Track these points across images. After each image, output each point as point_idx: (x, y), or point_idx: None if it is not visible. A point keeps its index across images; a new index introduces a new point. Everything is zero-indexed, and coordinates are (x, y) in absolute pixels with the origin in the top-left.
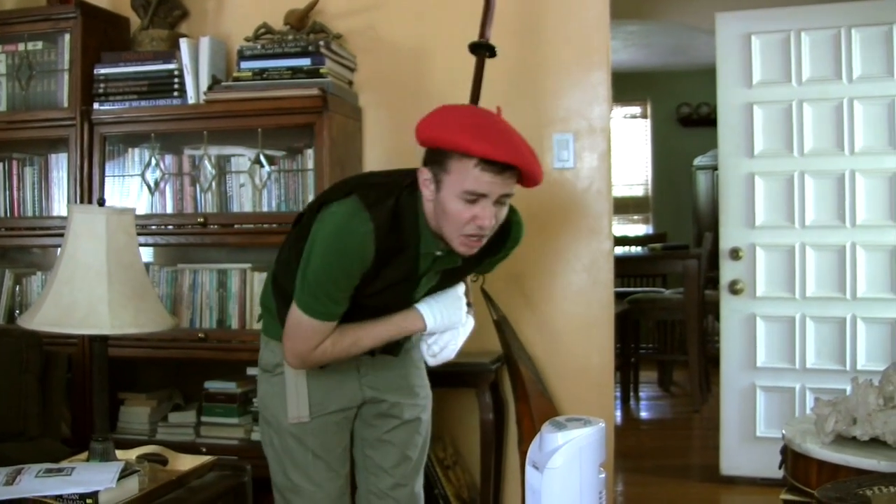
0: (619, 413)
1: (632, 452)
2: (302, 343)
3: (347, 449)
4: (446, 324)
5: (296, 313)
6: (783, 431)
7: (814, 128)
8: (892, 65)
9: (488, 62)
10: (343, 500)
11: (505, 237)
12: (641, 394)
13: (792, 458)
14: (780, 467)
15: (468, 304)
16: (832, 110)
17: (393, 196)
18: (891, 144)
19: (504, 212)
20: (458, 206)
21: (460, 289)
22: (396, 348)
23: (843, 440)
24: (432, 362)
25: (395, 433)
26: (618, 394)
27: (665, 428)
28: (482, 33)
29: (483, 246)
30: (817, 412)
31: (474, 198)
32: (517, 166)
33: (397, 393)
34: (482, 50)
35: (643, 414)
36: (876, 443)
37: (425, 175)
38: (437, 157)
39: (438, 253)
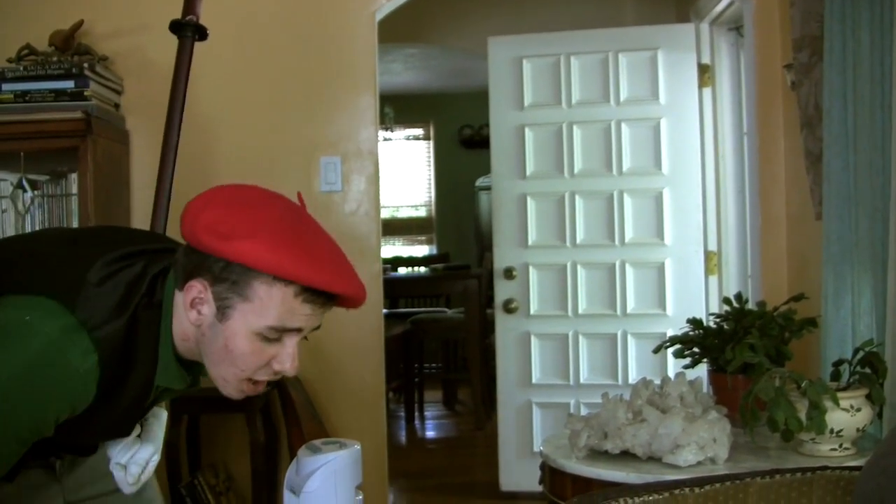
0: (403, 433)
1: (415, 472)
2: None
3: None
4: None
5: None
6: (541, 448)
7: (583, 149)
8: (656, 88)
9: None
10: None
11: None
12: (427, 413)
13: (549, 473)
14: (539, 483)
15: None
16: (601, 132)
17: (128, 309)
18: (656, 165)
19: None
20: (253, 344)
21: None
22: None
23: (597, 454)
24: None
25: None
26: (402, 414)
27: (450, 446)
28: (189, 9)
29: None
30: (571, 428)
31: (279, 335)
32: (348, 296)
33: (105, 478)
34: (187, 31)
35: (428, 433)
36: (627, 455)
37: (197, 292)
38: (228, 275)
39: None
